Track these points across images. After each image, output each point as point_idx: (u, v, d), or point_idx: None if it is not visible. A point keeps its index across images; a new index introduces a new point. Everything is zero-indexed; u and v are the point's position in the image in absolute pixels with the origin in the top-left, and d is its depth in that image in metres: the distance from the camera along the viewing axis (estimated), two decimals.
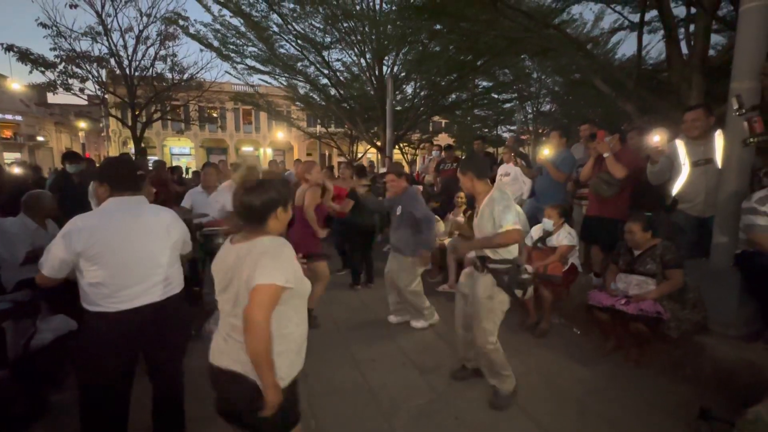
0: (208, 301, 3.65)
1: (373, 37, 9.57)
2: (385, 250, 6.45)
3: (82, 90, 11.96)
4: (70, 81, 11.40)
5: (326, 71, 11.05)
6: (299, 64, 11.11)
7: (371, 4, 9.69)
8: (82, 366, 1.72)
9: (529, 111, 17.00)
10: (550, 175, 4.10)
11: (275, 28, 10.01)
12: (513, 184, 4.83)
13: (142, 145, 12.90)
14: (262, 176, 1.35)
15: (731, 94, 2.54)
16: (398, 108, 11.47)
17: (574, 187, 4.39)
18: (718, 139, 2.89)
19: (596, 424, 2.24)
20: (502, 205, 2.23)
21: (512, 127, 17.81)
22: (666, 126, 3.37)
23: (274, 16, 9.64)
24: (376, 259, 4.88)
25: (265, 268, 1.24)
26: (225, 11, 9.89)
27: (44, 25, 10.70)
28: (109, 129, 25.20)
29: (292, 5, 9.44)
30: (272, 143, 30.84)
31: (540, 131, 17.06)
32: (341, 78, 11.69)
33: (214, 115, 21.90)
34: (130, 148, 12.66)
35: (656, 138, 2.88)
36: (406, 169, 12.89)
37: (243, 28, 10.25)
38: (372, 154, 16.15)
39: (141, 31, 11.72)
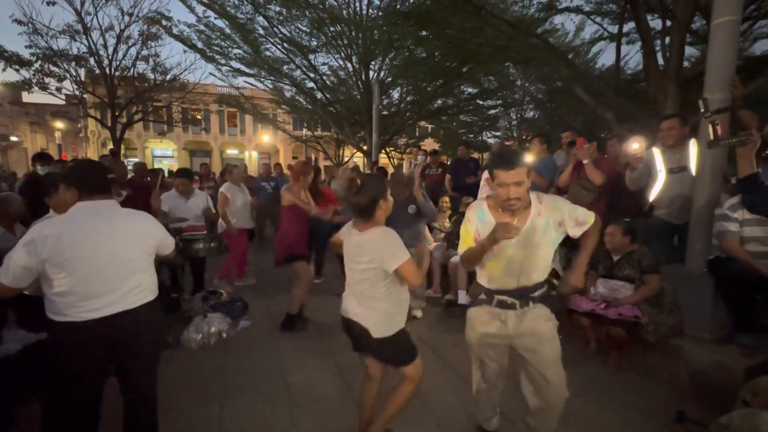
0: (186, 308, 3.56)
1: (360, 41, 9.61)
2: None
3: (59, 89, 11.64)
4: (47, 80, 11.09)
5: (312, 75, 11.02)
6: (285, 67, 11.06)
7: (358, 9, 9.74)
8: (49, 379, 1.63)
9: (514, 117, 17.31)
10: (532, 180, 4.16)
11: (261, 31, 9.94)
12: None
13: (112, 146, 12.52)
14: (360, 181, 1.85)
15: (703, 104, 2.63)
16: (384, 113, 11.50)
17: (556, 193, 4.47)
18: (693, 148, 3.00)
19: (577, 427, 2.26)
20: (564, 202, 1.82)
21: (497, 133, 18.09)
22: (644, 134, 3.48)
23: (260, 19, 9.57)
24: None
25: (397, 251, 1.74)
26: (209, 12, 9.78)
27: (20, 22, 10.38)
28: (87, 130, 24.52)
29: (278, 8, 9.40)
30: (258, 146, 30.50)
31: (524, 137, 17.37)
32: (328, 82, 11.67)
33: (198, 117, 21.54)
34: (110, 149, 12.35)
35: (635, 146, 2.97)
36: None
37: (228, 30, 10.14)
38: (358, 158, 16.14)
39: (122, 31, 11.50)
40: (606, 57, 63.55)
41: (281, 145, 29.75)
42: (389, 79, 11.22)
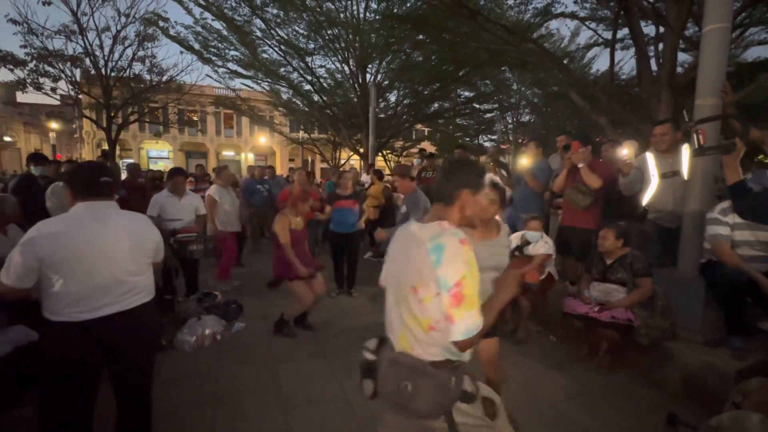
0: (180, 310, 3.53)
1: (357, 45, 9.66)
2: (365, 257, 6.44)
3: (54, 90, 11.52)
4: (42, 80, 10.99)
5: (309, 77, 11.05)
6: (282, 69, 11.08)
7: (355, 12, 9.78)
8: (43, 380, 1.62)
9: (510, 121, 17.44)
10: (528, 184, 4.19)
11: (258, 33, 9.97)
12: None
13: (106, 148, 12.38)
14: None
15: (696, 110, 2.67)
16: (381, 115, 11.54)
17: (552, 196, 4.50)
18: (685, 152, 3.03)
19: (570, 429, 2.27)
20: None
21: (493, 137, 18.20)
22: (637, 139, 3.53)
23: (257, 21, 9.61)
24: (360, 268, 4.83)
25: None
26: (207, 14, 9.78)
27: (15, 22, 10.31)
28: (82, 131, 24.32)
29: (275, 11, 9.43)
30: (254, 148, 30.44)
31: (520, 141, 17.49)
32: (324, 84, 11.70)
33: (194, 118, 21.47)
34: (102, 150, 12.24)
35: (624, 152, 3.00)
36: None
37: (225, 32, 10.15)
38: (355, 161, 16.15)
39: (119, 32, 11.43)
40: (600, 62, 64.41)
41: (278, 148, 29.71)
42: (386, 82, 11.28)
